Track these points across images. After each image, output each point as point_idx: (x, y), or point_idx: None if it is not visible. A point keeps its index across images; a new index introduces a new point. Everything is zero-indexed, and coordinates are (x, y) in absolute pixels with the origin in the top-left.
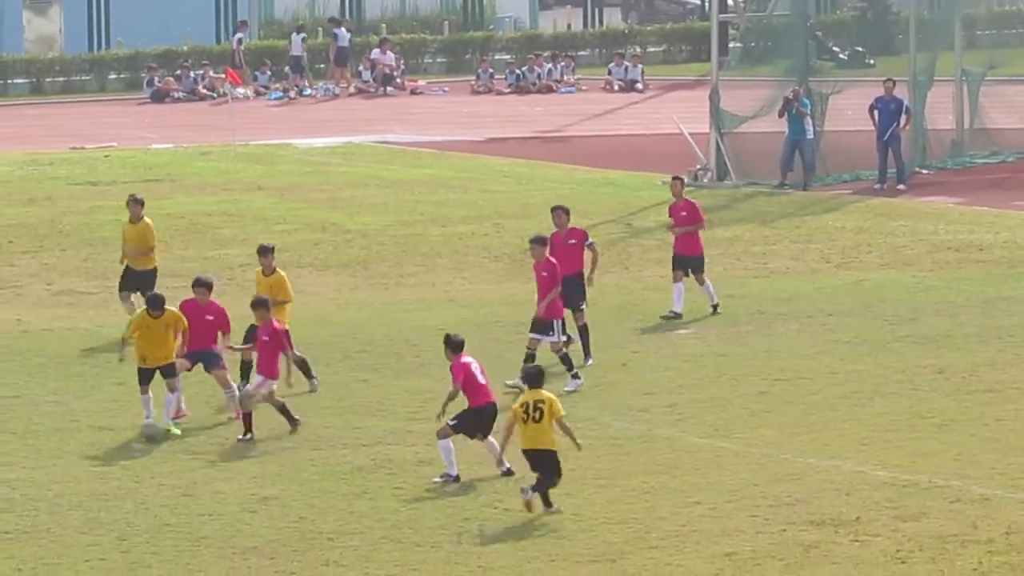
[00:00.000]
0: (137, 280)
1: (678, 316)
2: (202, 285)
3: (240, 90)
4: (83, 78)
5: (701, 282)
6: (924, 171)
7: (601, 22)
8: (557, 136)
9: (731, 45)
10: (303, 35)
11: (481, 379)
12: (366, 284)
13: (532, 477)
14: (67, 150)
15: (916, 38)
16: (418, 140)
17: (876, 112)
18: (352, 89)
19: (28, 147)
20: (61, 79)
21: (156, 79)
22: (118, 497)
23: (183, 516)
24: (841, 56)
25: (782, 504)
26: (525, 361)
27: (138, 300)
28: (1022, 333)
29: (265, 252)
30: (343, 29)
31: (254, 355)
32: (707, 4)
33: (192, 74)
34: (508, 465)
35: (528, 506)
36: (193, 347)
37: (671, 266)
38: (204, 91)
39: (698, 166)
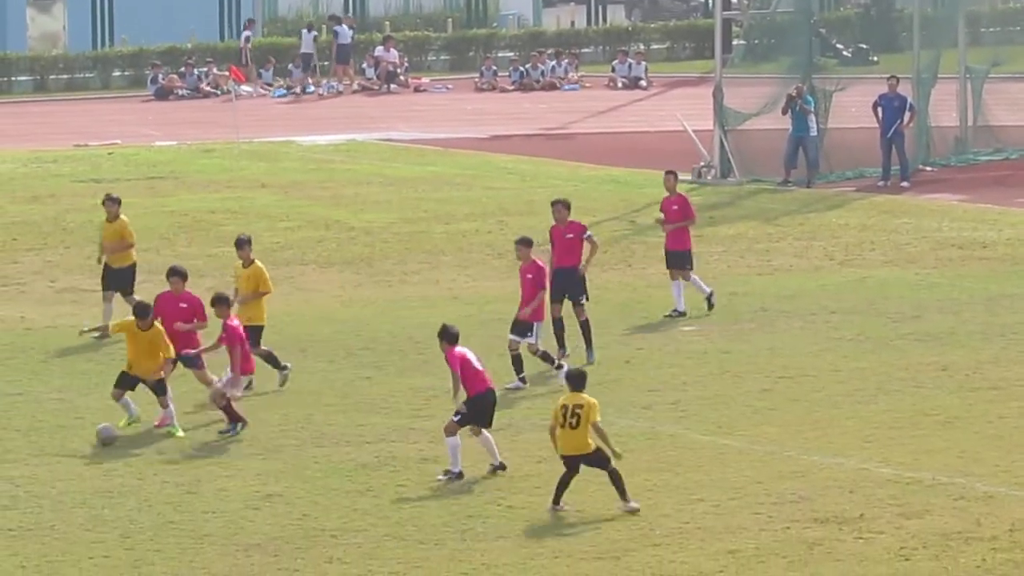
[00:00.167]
0: (115, 278)
1: (682, 315)
2: (176, 274)
3: (245, 87)
4: (87, 75)
5: (687, 277)
6: (928, 168)
7: (605, 19)
8: (561, 133)
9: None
10: (314, 32)
11: (478, 365)
12: (370, 281)
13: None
14: (71, 147)
15: (920, 35)
16: (422, 137)
17: (880, 109)
18: (356, 86)
19: (32, 144)
20: (65, 76)
21: (160, 76)
22: (122, 494)
23: (187, 513)
24: (845, 53)
25: (786, 501)
26: (512, 363)
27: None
28: None
29: (242, 244)
30: (344, 26)
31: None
32: (711, 1)
33: (196, 71)
34: (501, 460)
35: (632, 510)
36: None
37: (665, 264)
38: (208, 88)
39: (702, 163)
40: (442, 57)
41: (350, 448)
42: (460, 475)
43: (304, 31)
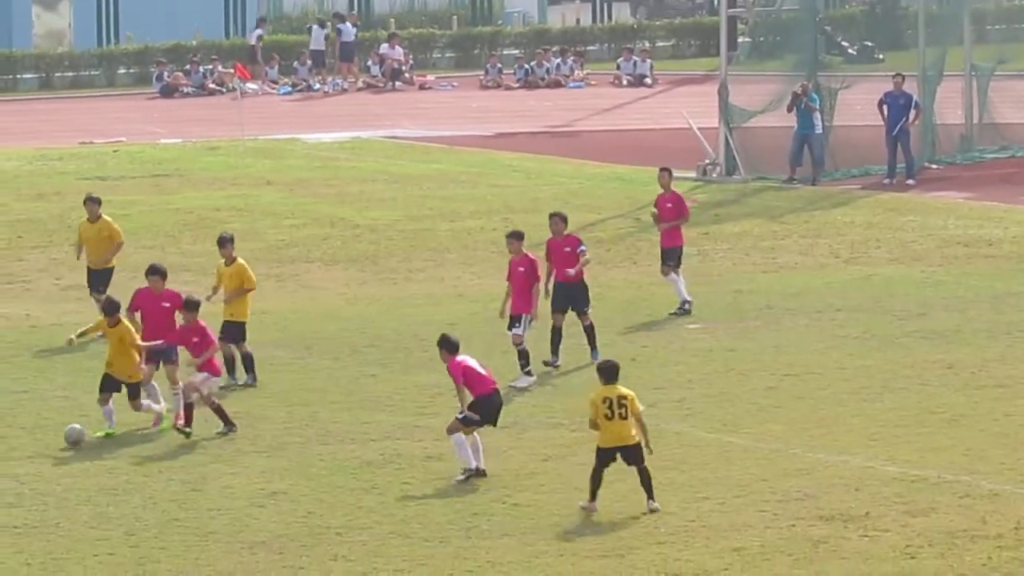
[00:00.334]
0: (97, 280)
1: (689, 303)
2: (156, 273)
3: (250, 85)
4: (92, 73)
5: (675, 272)
6: (933, 166)
7: (610, 17)
8: (566, 131)
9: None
10: (326, 30)
11: (481, 370)
12: (375, 279)
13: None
14: (76, 145)
15: (925, 33)
16: (427, 135)
17: (885, 107)
18: (360, 84)
19: (37, 142)
20: (70, 74)
21: (165, 74)
22: (127, 492)
23: (191, 511)
24: (850, 51)
25: (791, 499)
26: (519, 358)
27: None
28: None
29: (224, 242)
30: (348, 24)
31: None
32: None
33: (201, 69)
34: (482, 466)
35: (654, 510)
36: (150, 335)
37: (660, 260)
38: (213, 86)
39: (707, 161)
40: (447, 55)
41: (355, 446)
42: (477, 470)
43: (315, 27)
